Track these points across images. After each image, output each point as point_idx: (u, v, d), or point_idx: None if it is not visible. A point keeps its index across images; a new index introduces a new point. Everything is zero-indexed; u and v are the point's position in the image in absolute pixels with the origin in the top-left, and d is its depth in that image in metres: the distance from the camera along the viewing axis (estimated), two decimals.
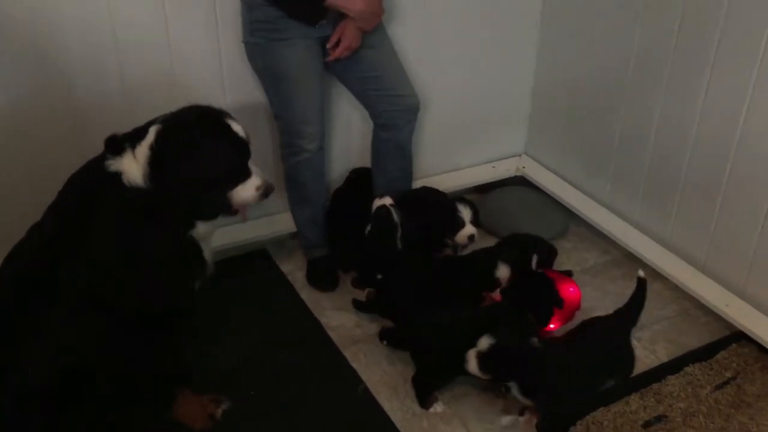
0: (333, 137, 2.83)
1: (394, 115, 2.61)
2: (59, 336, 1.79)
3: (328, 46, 2.39)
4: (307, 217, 2.71)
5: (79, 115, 2.38)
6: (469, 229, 2.70)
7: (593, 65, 2.85)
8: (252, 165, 1.97)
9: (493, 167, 3.28)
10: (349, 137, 2.89)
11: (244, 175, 1.95)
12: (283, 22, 2.31)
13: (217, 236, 2.12)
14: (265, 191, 1.98)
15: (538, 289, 2.38)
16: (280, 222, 2.76)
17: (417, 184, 2.93)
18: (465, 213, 2.70)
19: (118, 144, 1.84)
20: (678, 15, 2.43)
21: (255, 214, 2.65)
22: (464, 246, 2.73)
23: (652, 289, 2.72)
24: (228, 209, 1.98)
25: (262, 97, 2.56)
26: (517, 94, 3.20)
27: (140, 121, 1.91)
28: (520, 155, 3.34)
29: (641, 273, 2.43)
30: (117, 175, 1.80)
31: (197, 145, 1.83)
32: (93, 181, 1.85)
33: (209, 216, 1.94)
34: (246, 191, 1.96)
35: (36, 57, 2.26)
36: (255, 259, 2.87)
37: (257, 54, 2.42)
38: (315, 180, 2.63)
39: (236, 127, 1.92)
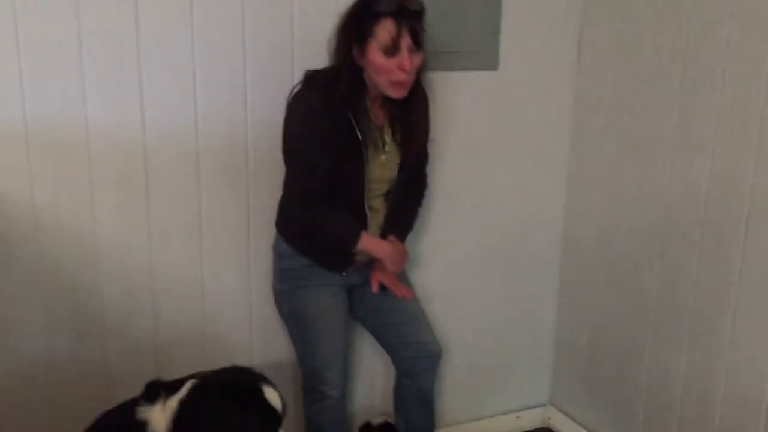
0: (355, 384, 2.82)
1: (416, 363, 2.60)
2: None
3: (375, 292, 2.48)
4: None
5: (109, 365, 2.43)
6: None
7: (613, 317, 2.89)
8: None
9: (518, 417, 3.20)
10: (371, 385, 2.88)
11: None
12: (311, 270, 2.42)
13: None
14: None
15: None
16: None
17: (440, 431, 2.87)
18: None
19: (155, 391, 1.83)
20: (695, 265, 2.50)
21: None
22: None
23: None
24: None
25: (289, 346, 2.59)
26: (540, 343, 3.21)
27: (169, 369, 1.94)
28: (545, 405, 3.27)
29: None
30: (143, 426, 1.78)
31: (220, 410, 1.79)
32: (119, 428, 1.82)
33: None
34: None
35: (72, 302, 2.35)
36: None
37: (284, 299, 2.50)
38: (337, 429, 2.57)
39: (270, 396, 1.86)
